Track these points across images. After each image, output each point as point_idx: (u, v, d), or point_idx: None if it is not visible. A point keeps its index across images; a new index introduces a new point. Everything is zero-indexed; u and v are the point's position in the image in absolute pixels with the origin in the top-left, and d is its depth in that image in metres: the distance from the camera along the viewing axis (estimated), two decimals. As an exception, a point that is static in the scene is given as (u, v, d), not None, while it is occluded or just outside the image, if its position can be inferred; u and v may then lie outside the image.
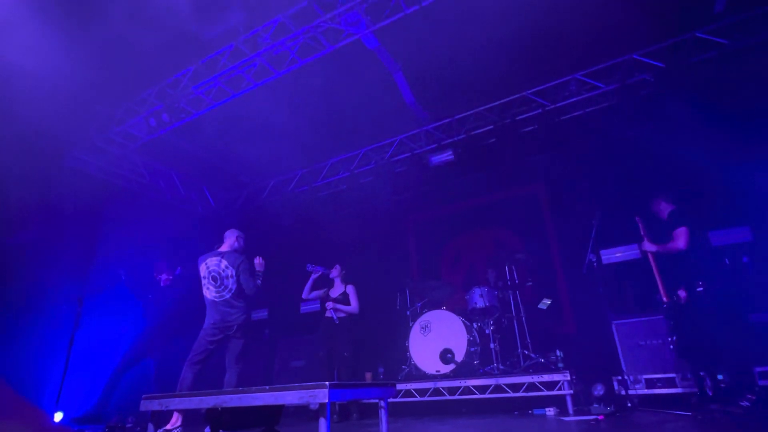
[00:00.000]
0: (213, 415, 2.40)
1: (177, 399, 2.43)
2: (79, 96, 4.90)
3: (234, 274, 3.93)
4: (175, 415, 3.60)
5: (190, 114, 5.27)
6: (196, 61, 4.89)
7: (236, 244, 4.13)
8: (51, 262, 4.99)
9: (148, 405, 2.45)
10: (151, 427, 2.43)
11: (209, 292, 3.92)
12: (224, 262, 3.97)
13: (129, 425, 4.07)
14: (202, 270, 4.00)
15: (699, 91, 4.68)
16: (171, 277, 4.98)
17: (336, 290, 4.94)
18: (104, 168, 5.92)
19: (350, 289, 4.88)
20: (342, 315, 4.72)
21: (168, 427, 3.56)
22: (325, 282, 5.06)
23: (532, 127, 5.68)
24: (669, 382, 3.98)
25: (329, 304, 4.77)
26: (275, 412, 2.59)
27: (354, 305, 4.79)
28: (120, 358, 4.32)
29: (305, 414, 4.94)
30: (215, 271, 3.94)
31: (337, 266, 5.01)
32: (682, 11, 4.48)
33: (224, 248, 4.09)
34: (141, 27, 4.10)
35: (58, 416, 4.42)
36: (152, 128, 5.31)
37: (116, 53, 4.45)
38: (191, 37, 4.40)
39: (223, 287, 3.90)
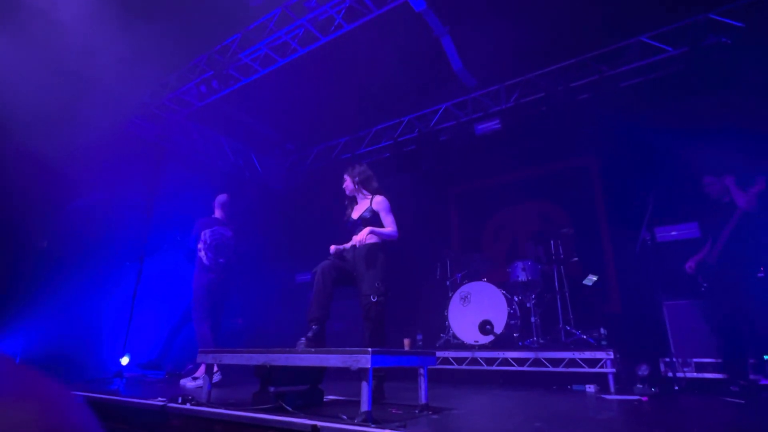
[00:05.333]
0: (261, 372, 2.55)
1: (229, 354, 2.61)
2: (136, 64, 5.09)
3: (233, 245, 4.37)
4: (203, 366, 3.97)
5: (239, 80, 5.36)
6: (243, 27, 4.92)
7: (229, 211, 4.46)
8: (116, 222, 5.38)
9: (204, 358, 2.64)
10: (206, 377, 2.64)
11: (206, 258, 4.27)
12: (228, 233, 4.31)
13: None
14: (205, 235, 4.32)
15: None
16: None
17: (359, 208, 3.23)
18: (161, 133, 6.19)
19: (379, 204, 3.15)
20: (372, 240, 3.05)
21: (196, 375, 3.97)
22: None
23: (586, 95, 5.35)
24: (721, 368, 3.82)
25: (356, 238, 3.04)
26: (319, 371, 2.72)
27: (390, 226, 3.11)
28: (179, 314, 4.69)
29: (347, 373, 5.16)
30: (219, 240, 4.28)
31: (346, 177, 3.31)
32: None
33: (221, 216, 4.43)
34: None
35: (125, 360, 4.88)
36: (203, 95, 5.47)
37: (167, 19, 4.54)
38: (239, 3, 4.42)
39: (221, 256, 4.26)
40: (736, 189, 3.70)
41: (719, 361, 3.81)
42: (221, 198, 4.58)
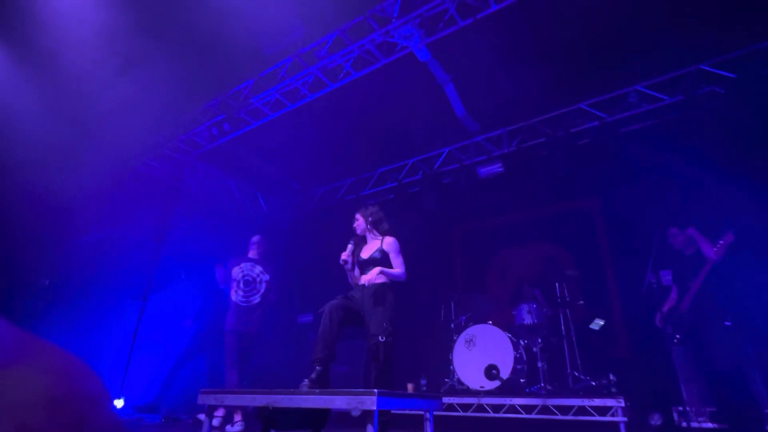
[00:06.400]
0: (263, 414, 2.49)
1: (231, 395, 2.55)
2: (151, 107, 5.30)
3: (267, 281, 4.18)
4: (237, 413, 3.86)
5: (249, 124, 5.55)
6: (256, 74, 5.16)
7: (263, 251, 4.41)
8: (121, 259, 5.40)
9: (205, 399, 2.59)
10: (206, 420, 2.57)
11: (236, 296, 4.18)
12: (259, 268, 4.24)
13: (184, 417, 4.30)
14: (236, 273, 4.27)
15: (776, 104, 4.35)
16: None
17: (369, 248, 3.29)
18: (170, 173, 6.34)
19: (389, 245, 3.21)
20: (380, 281, 3.07)
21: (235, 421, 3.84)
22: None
23: (587, 140, 5.50)
24: (717, 416, 3.70)
25: (365, 278, 3.07)
26: (322, 415, 2.65)
27: (399, 268, 3.16)
28: (178, 354, 4.60)
29: (348, 419, 4.99)
30: (249, 276, 4.21)
31: (358, 216, 3.38)
32: (756, 19, 4.21)
33: (255, 255, 4.38)
34: (208, 43, 4.40)
35: (119, 403, 4.74)
36: (214, 137, 5.66)
37: (184, 64, 4.77)
38: (254, 52, 4.66)
39: (254, 292, 4.16)
40: (702, 238, 3.78)
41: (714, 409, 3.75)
42: (254, 238, 4.55)
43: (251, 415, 3.81)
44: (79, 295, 5.17)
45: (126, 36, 4.35)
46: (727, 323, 3.55)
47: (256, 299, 4.16)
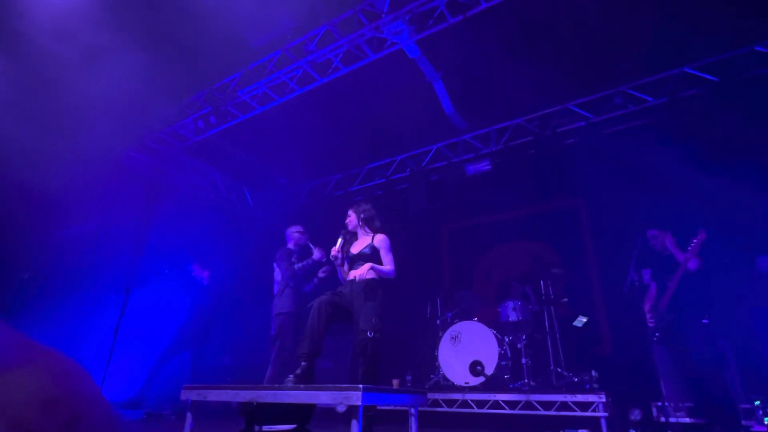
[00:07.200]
0: (247, 410, 2.47)
1: (215, 391, 2.53)
2: (135, 99, 5.19)
3: (277, 274, 4.18)
4: None
5: (236, 117, 5.48)
6: (244, 67, 5.09)
7: (293, 239, 4.39)
8: (103, 253, 5.29)
9: (188, 394, 2.56)
10: (189, 416, 2.54)
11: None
12: (275, 267, 4.26)
13: (167, 413, 4.24)
14: None
15: (757, 108, 4.45)
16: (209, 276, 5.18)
17: (360, 244, 3.30)
18: (155, 166, 6.23)
19: (380, 242, 3.23)
20: (370, 276, 3.08)
21: None
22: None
23: (573, 140, 5.56)
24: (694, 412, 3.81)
25: (354, 272, 3.10)
26: (307, 411, 2.64)
27: (388, 265, 3.18)
28: (161, 350, 4.54)
29: (333, 415, 4.99)
30: (275, 271, 4.21)
31: (351, 213, 3.40)
32: (739, 24, 4.29)
33: (292, 246, 4.45)
34: (195, 34, 4.32)
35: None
36: (200, 130, 5.57)
37: (169, 56, 4.68)
38: (241, 44, 4.60)
39: (276, 284, 4.16)
40: (675, 248, 3.89)
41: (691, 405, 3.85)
42: (289, 229, 4.57)
43: (235, 411, 3.78)
44: (59, 288, 5.07)
45: (109, 25, 4.24)
46: (704, 321, 3.64)
47: (276, 290, 4.24)
